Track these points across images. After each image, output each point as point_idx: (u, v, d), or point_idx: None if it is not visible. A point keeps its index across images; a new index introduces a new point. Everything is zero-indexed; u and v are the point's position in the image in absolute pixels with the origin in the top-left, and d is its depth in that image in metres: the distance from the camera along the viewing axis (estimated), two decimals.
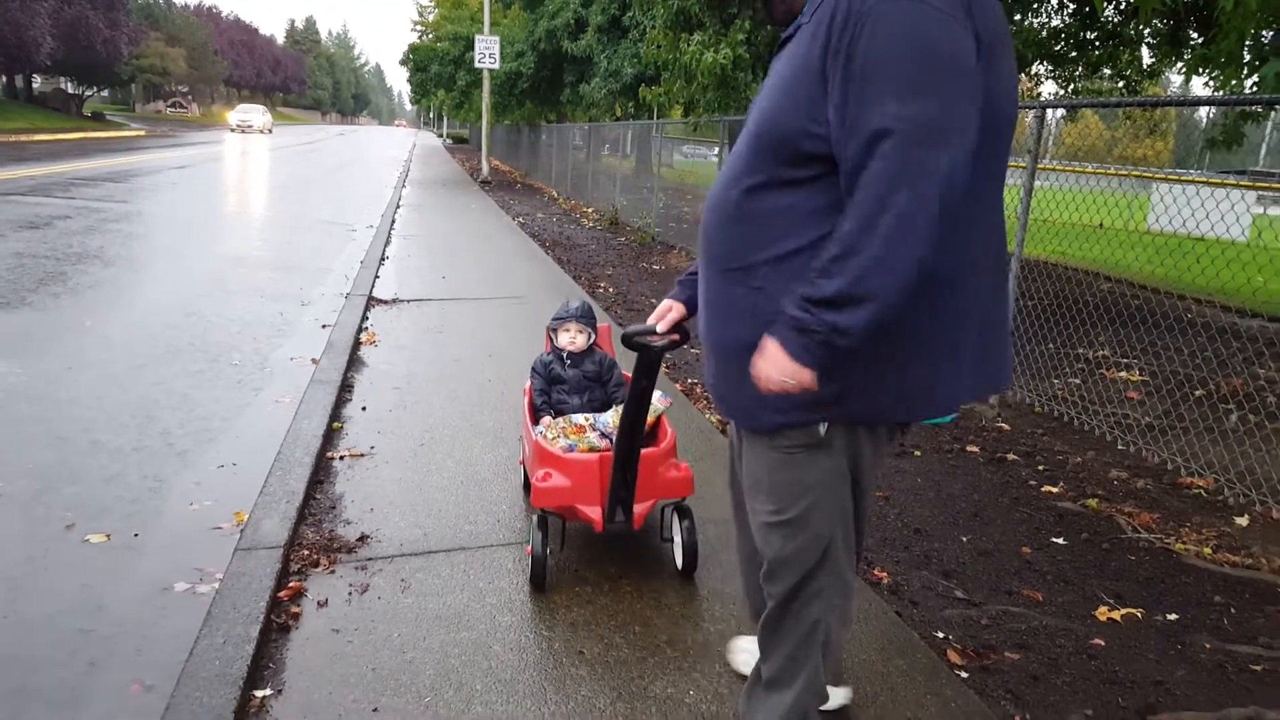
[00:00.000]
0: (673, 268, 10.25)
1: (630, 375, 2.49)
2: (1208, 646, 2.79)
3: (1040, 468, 4.31)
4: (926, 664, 2.57)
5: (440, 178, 23.67)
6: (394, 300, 7.25)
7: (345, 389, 4.80)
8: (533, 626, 2.65)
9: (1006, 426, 4.94)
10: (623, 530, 2.83)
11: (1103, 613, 2.96)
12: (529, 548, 2.88)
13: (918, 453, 4.43)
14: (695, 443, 4.27)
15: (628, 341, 2.21)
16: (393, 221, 12.47)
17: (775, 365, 1.61)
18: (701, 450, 4.18)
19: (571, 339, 3.40)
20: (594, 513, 2.79)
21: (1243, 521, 3.77)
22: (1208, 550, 3.46)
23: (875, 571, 3.17)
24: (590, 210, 16.57)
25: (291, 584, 2.80)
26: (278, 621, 2.60)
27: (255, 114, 50.27)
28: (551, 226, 13.80)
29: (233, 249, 9.67)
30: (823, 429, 1.74)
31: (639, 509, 2.82)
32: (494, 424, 4.38)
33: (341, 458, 3.86)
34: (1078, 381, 5.88)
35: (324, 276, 8.48)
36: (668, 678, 2.43)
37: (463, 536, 3.20)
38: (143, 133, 40.10)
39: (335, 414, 4.36)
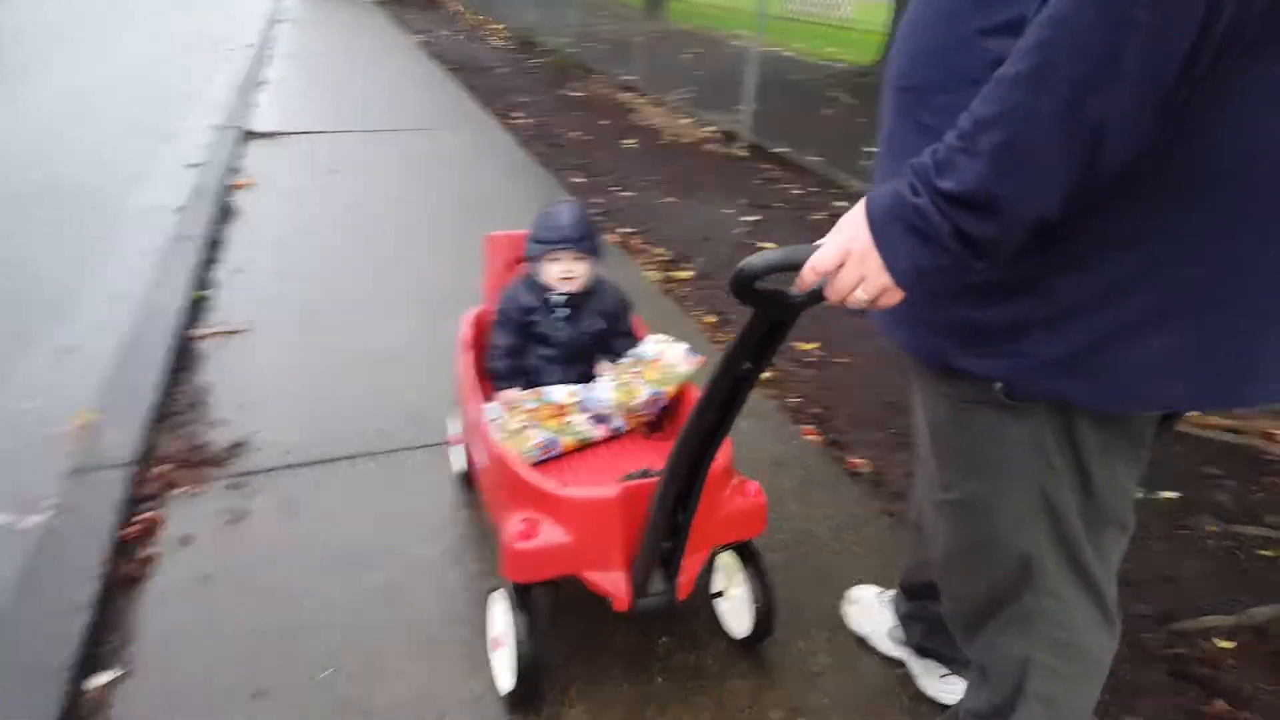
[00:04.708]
0: (596, 96, 9.33)
1: (717, 356, 1.31)
2: (1213, 530, 2.49)
3: None
4: None
5: None
6: (275, 133, 6.26)
7: (214, 247, 4.01)
8: (460, 562, 2.12)
9: None
10: (661, 608, 1.66)
11: None
12: (494, 639, 1.80)
13: None
14: None
15: (743, 289, 1.09)
16: (274, 39, 11.10)
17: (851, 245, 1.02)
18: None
19: (566, 272, 2.05)
20: (614, 583, 1.64)
21: None
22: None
23: (852, 459, 2.72)
24: (500, 27, 15.20)
25: (144, 515, 2.19)
26: (125, 572, 2.01)
27: None
28: (456, 46, 12.56)
29: (79, 72, 8.32)
30: (998, 386, 1.13)
31: (688, 567, 1.68)
32: (403, 288, 3.71)
33: (208, 336, 3.17)
34: None
35: (190, 104, 7.31)
36: (632, 626, 1.95)
37: (368, 437, 2.61)
38: None
39: (201, 279, 3.62)
